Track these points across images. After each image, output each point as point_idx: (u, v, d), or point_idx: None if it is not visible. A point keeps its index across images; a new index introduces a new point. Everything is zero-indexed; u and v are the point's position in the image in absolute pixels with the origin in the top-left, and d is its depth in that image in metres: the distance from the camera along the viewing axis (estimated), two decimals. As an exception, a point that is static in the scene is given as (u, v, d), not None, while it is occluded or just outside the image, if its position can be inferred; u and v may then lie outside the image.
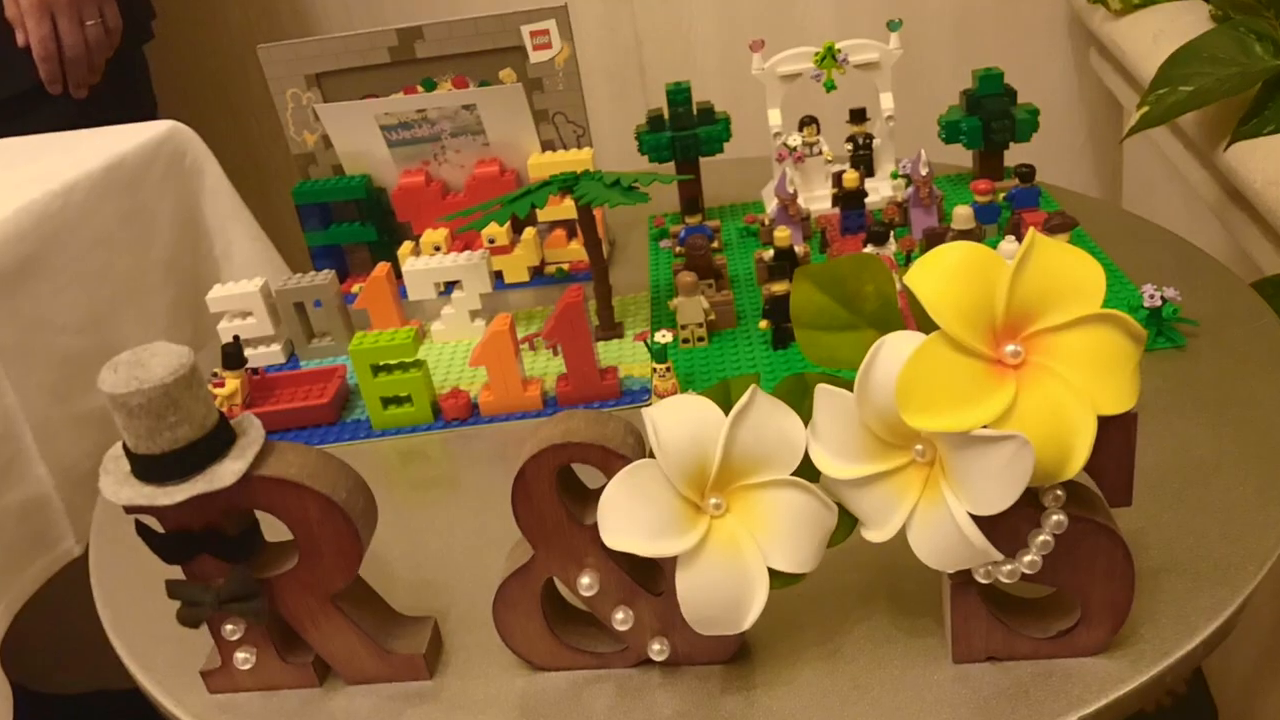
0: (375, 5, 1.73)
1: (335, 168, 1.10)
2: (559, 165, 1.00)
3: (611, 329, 0.92)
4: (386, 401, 0.83)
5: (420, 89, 1.06)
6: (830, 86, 1.03)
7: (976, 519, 0.47)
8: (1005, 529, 0.48)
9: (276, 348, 0.95)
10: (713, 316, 0.88)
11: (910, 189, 0.96)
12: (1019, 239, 0.87)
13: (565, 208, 1.02)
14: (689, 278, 0.86)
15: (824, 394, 0.49)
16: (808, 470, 0.50)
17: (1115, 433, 0.47)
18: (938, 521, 0.48)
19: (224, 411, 0.55)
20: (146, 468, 0.50)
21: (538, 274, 1.06)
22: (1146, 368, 0.48)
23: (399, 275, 0.97)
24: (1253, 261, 1.00)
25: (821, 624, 0.57)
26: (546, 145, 1.07)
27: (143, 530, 0.53)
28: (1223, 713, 1.13)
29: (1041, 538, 0.49)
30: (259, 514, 0.55)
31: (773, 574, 0.51)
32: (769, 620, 0.52)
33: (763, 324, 0.86)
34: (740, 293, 0.95)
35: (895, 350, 0.46)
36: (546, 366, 0.88)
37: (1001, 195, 0.98)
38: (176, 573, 0.55)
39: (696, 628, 0.52)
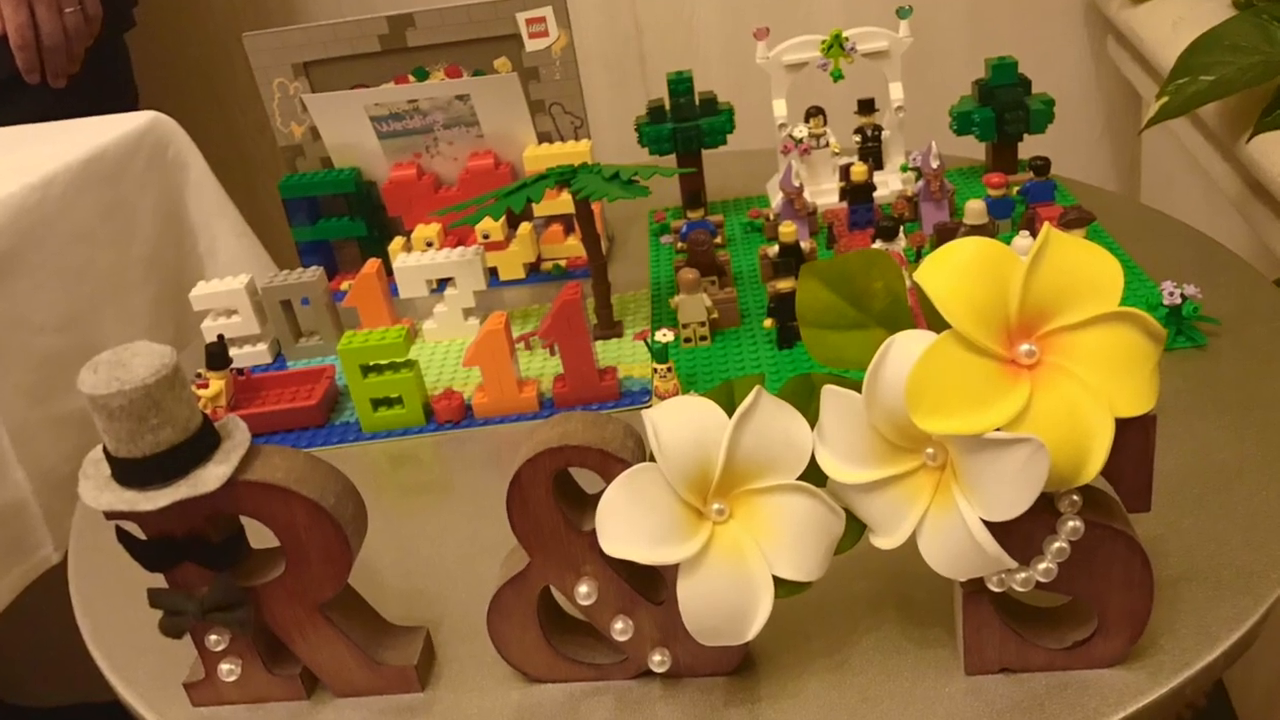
0: (365, -9, 1.73)
1: (323, 160, 1.10)
2: (556, 158, 1.00)
3: (610, 328, 0.92)
4: (377, 403, 0.83)
5: (412, 78, 1.06)
6: (837, 76, 1.03)
7: (989, 525, 0.47)
8: (1019, 535, 0.48)
9: (263, 347, 0.95)
10: (715, 315, 0.88)
11: (920, 182, 0.96)
12: (1033, 234, 0.87)
13: (562, 202, 1.02)
14: (691, 274, 0.86)
15: (831, 395, 0.49)
16: (814, 474, 0.50)
17: (1133, 435, 0.47)
18: (949, 528, 0.48)
19: (208, 414, 0.55)
20: (127, 472, 0.50)
21: (534, 271, 1.06)
22: (1166, 368, 0.48)
23: (389, 272, 0.97)
24: (1276, 257, 1.00)
25: (828, 634, 0.57)
26: (543, 137, 1.07)
27: (124, 537, 0.53)
28: (1245, 726, 1.13)
29: (1057, 544, 0.49)
30: (244, 520, 0.55)
31: (778, 582, 0.51)
32: (774, 630, 0.52)
33: (767, 323, 0.86)
34: (744, 290, 0.95)
35: (905, 350, 0.46)
36: (543, 367, 0.88)
37: (1015, 189, 0.98)
38: (159, 581, 0.55)
39: (699, 638, 0.52)
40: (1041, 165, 0.96)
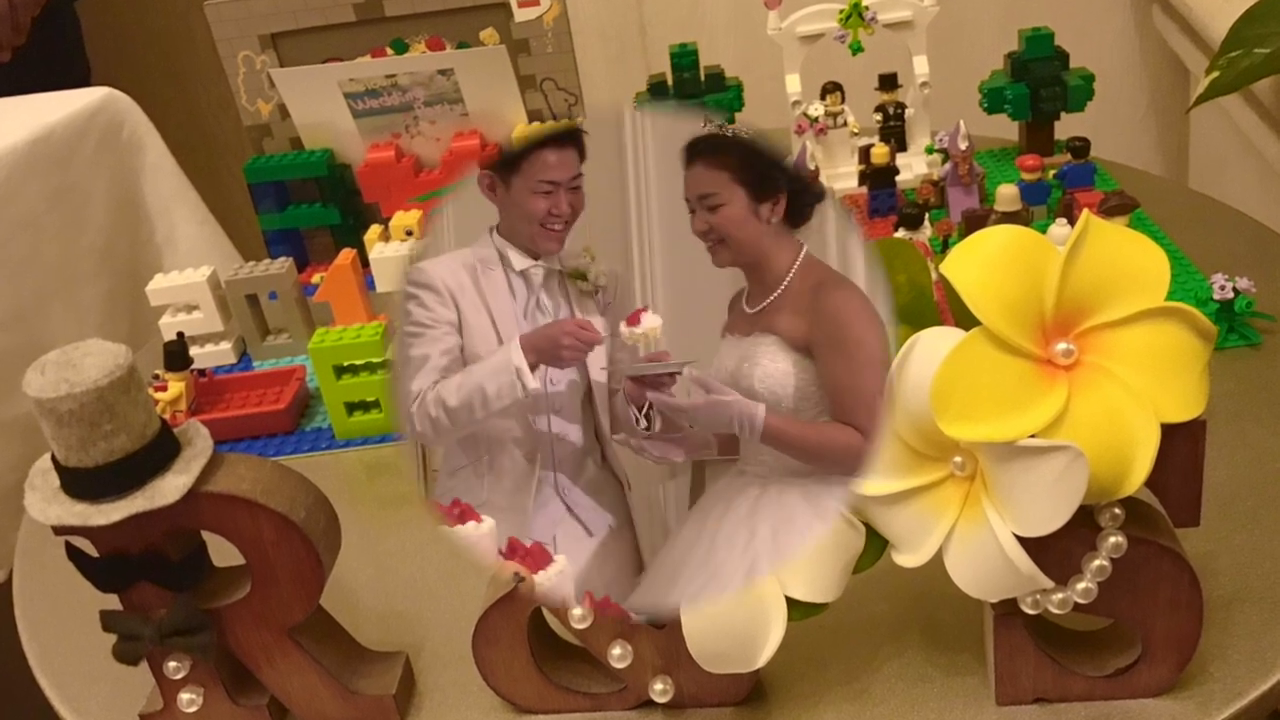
0: (338, -44, 1.73)
1: (293, 141, 1.10)
2: (548, 138, 1.00)
3: (607, 325, 0.91)
4: (351, 407, 0.83)
5: (390, 51, 1.06)
6: (856, 49, 1.03)
7: (1023, 541, 0.47)
8: (1056, 552, 0.48)
9: (226, 346, 0.95)
10: (723, 310, 0.88)
11: (948, 165, 0.96)
12: (1071, 222, 0.87)
13: (555, 187, 1.02)
14: (696, 266, 0.86)
15: (849, 399, 0.49)
16: (831, 486, 0.50)
17: (1181, 443, 0.47)
18: (979, 544, 0.48)
19: (166, 419, 0.55)
20: (78, 482, 0.50)
21: (523, 262, 1.06)
22: (1216, 369, 0.48)
23: (365, 263, 0.97)
24: (1337, 248, 0.99)
25: (847, 661, 0.57)
26: (533, 115, 1.07)
27: (74, 554, 0.53)
28: (1303, 761, 1.13)
29: (1097, 562, 0.49)
30: (206, 536, 0.55)
31: (791, 603, 0.51)
32: (787, 656, 0.52)
33: (780, 319, 0.86)
34: (754, 283, 0.95)
35: (931, 349, 0.46)
36: (533, 367, 0.88)
37: (1051, 172, 0.98)
38: (112, 602, 0.55)
39: (704, 665, 0.52)
40: (1080, 146, 0.96)
